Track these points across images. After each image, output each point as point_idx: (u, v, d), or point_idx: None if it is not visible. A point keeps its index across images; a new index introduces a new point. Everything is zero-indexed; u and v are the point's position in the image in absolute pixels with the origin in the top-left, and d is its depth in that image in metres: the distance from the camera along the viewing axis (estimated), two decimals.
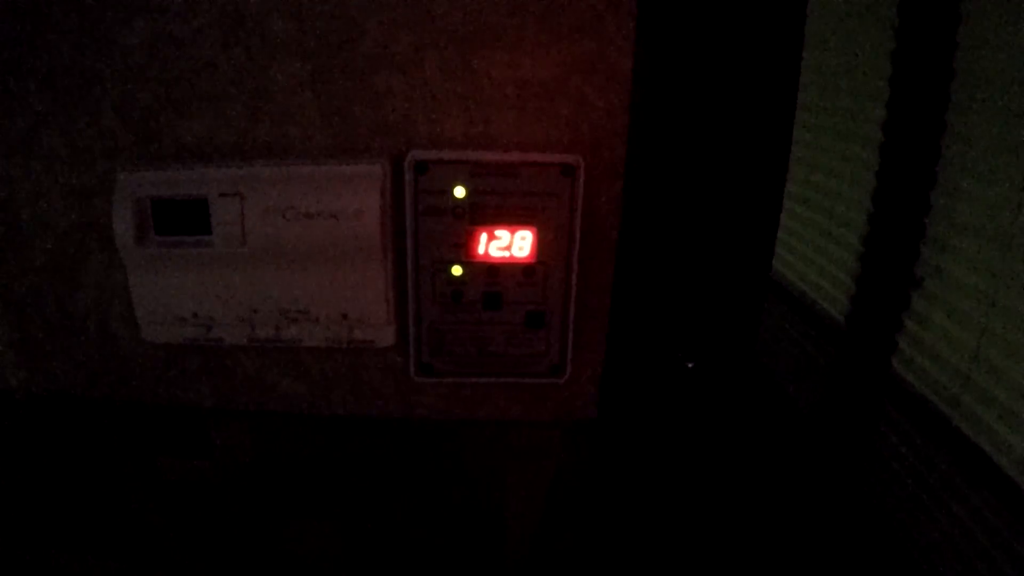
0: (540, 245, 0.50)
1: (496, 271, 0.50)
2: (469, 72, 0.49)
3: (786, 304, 1.10)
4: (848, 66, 0.99)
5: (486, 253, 0.50)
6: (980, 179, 0.76)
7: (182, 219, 0.50)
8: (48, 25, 0.50)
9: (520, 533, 0.63)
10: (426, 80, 0.50)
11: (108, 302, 0.56)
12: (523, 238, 0.49)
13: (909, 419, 0.80)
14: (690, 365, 0.59)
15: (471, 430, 0.60)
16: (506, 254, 0.50)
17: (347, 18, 0.48)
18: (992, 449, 0.69)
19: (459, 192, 0.48)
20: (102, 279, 0.56)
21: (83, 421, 0.61)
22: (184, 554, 0.65)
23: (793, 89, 0.56)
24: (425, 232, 0.49)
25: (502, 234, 0.49)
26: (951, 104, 0.82)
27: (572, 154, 0.49)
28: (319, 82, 0.50)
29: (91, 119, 0.52)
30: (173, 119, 0.51)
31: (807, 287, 1.08)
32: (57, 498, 0.64)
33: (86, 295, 0.56)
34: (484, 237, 0.49)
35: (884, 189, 0.93)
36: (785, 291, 1.12)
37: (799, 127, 1.08)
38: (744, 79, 0.53)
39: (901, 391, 0.84)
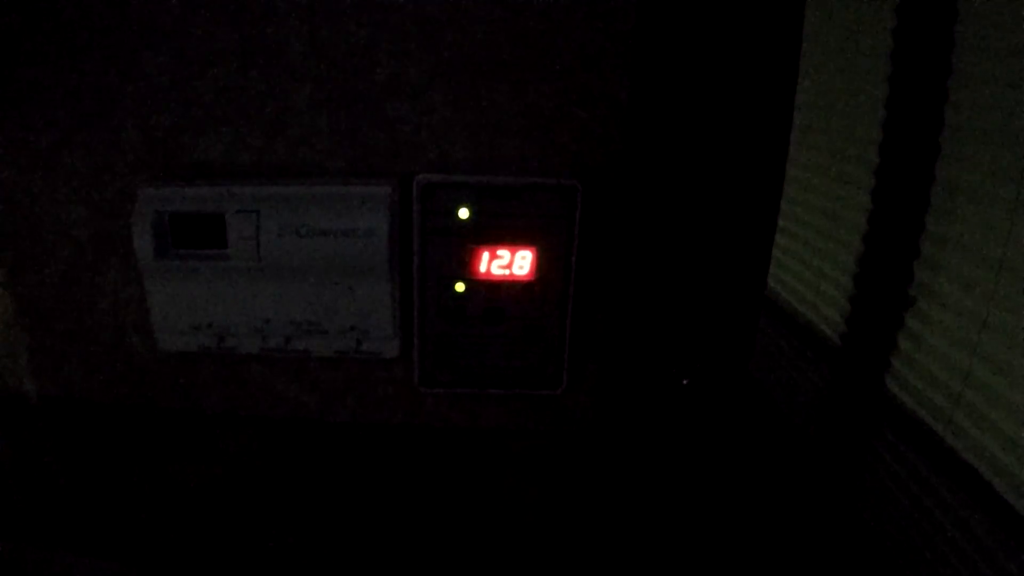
0: (539, 264, 0.52)
1: (497, 288, 0.53)
2: (475, 100, 0.52)
3: (780, 322, 1.10)
4: (844, 88, 1.00)
5: (488, 271, 0.52)
6: (973, 200, 0.77)
7: (199, 234, 0.52)
8: (73, 46, 0.52)
9: (516, 535, 0.64)
10: (434, 107, 0.52)
11: (123, 311, 0.58)
12: (523, 257, 0.51)
13: (903, 437, 0.80)
14: (685, 382, 0.60)
15: (471, 438, 0.62)
16: (507, 272, 0.52)
17: (361, 47, 0.51)
18: (984, 468, 0.70)
19: (463, 213, 0.51)
20: (118, 289, 0.58)
21: (96, 426, 0.63)
22: (190, 557, 0.66)
23: (788, 115, 0.58)
24: (431, 250, 0.52)
25: (503, 253, 0.51)
26: (945, 126, 0.84)
27: (571, 179, 0.51)
28: (333, 107, 0.52)
29: (112, 137, 0.54)
30: (192, 139, 0.54)
31: (802, 306, 1.09)
32: (67, 501, 0.65)
33: (102, 304, 0.58)
34: (486, 256, 0.51)
35: (878, 209, 0.94)
36: (780, 310, 1.13)
37: (793, 146, 1.09)
38: (738, 107, 0.55)
39: (895, 409, 0.85)
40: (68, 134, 0.54)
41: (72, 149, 0.54)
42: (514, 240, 0.51)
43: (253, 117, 0.53)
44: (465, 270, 0.52)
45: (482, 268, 0.52)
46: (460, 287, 0.52)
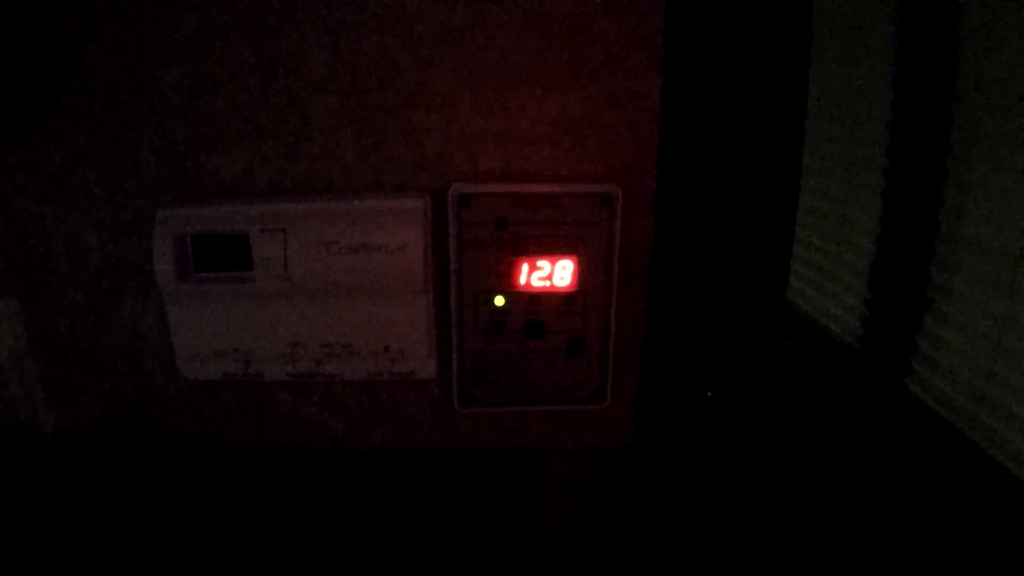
0: (580, 274, 0.50)
1: (538, 300, 0.51)
2: (503, 108, 0.50)
3: (798, 330, 1.10)
4: (853, 91, 1.00)
5: (528, 283, 0.50)
6: (986, 197, 0.77)
7: (223, 255, 0.50)
8: (86, 64, 0.50)
9: (558, 559, 0.62)
10: (462, 117, 0.50)
11: (142, 339, 0.56)
12: (564, 267, 0.50)
13: (927, 439, 0.79)
14: (709, 394, 0.58)
15: (510, 458, 0.59)
16: (547, 283, 0.50)
17: (384, 57, 0.49)
18: (1013, 465, 0.69)
19: (501, 224, 0.49)
20: (137, 316, 0.55)
21: (115, 459, 0.61)
22: None
23: (802, 117, 0.57)
24: (468, 264, 0.50)
25: (543, 264, 0.49)
26: (955, 124, 0.84)
27: (610, 184, 0.50)
28: (357, 120, 0.50)
29: (128, 157, 0.52)
30: (211, 157, 0.52)
31: (817, 313, 1.08)
32: (85, 537, 0.63)
33: (120, 332, 0.56)
34: (526, 267, 0.50)
35: (891, 211, 0.93)
36: (796, 317, 1.12)
37: (805, 153, 1.09)
38: (761, 112, 0.54)
39: (918, 412, 0.84)
40: (81, 155, 0.52)
41: (85, 170, 0.52)
42: (554, 250, 0.49)
43: (274, 132, 0.51)
44: (504, 283, 0.50)
45: (522, 280, 0.50)
46: (500, 301, 0.50)
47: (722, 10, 0.52)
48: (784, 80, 0.55)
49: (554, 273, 0.49)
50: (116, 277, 0.55)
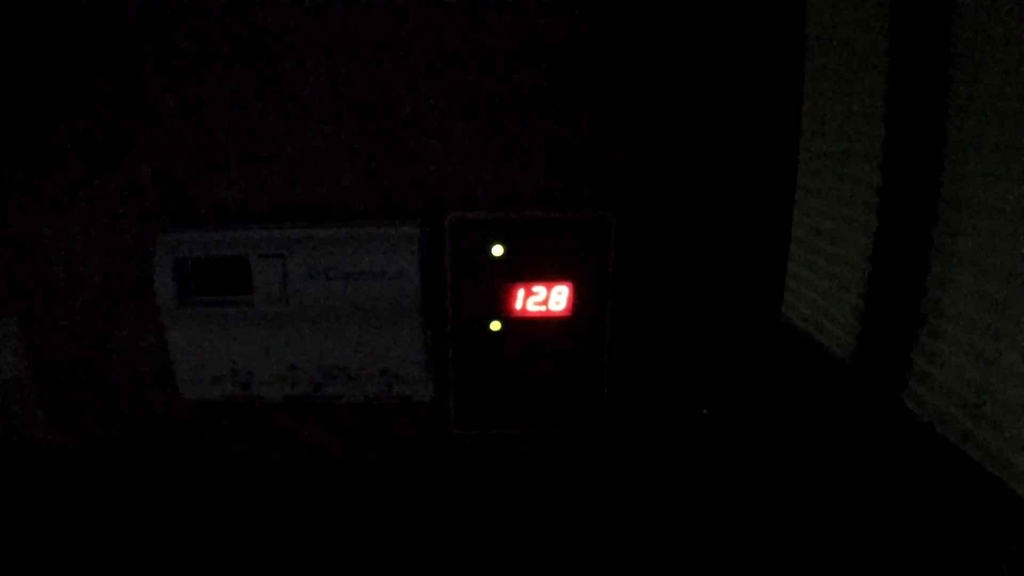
0: (576, 298, 0.50)
1: (533, 325, 0.51)
2: (499, 134, 0.51)
3: (792, 346, 1.10)
4: (844, 108, 1.01)
5: (523, 308, 0.51)
6: (980, 214, 0.77)
7: (223, 279, 0.50)
8: (86, 89, 0.50)
9: None
10: (458, 143, 0.51)
11: (142, 360, 0.56)
12: (559, 292, 0.50)
13: (923, 454, 0.79)
14: (704, 411, 0.59)
15: (506, 479, 0.60)
16: (543, 308, 0.50)
17: (381, 84, 0.50)
18: (1008, 478, 0.69)
19: (497, 250, 0.49)
20: (136, 338, 0.56)
21: (115, 478, 0.61)
22: None
23: (796, 139, 0.58)
24: (464, 289, 0.50)
25: (539, 289, 0.50)
26: (948, 141, 0.84)
27: (603, 211, 0.50)
28: (354, 146, 0.51)
29: (128, 180, 0.52)
30: (210, 181, 0.52)
31: (812, 329, 1.08)
32: (86, 556, 0.63)
33: (120, 353, 0.56)
34: (522, 293, 0.50)
35: (885, 228, 0.94)
36: (791, 333, 1.12)
37: (799, 171, 1.09)
38: (754, 135, 0.55)
39: (913, 427, 0.84)
40: (81, 178, 0.52)
41: (86, 193, 0.53)
42: (549, 275, 0.50)
43: (273, 158, 0.52)
44: (500, 308, 0.50)
45: (517, 305, 0.50)
46: (495, 325, 0.51)
47: (717, 39, 0.52)
48: (777, 104, 0.55)
49: (550, 298, 0.50)
50: (116, 299, 0.55)
